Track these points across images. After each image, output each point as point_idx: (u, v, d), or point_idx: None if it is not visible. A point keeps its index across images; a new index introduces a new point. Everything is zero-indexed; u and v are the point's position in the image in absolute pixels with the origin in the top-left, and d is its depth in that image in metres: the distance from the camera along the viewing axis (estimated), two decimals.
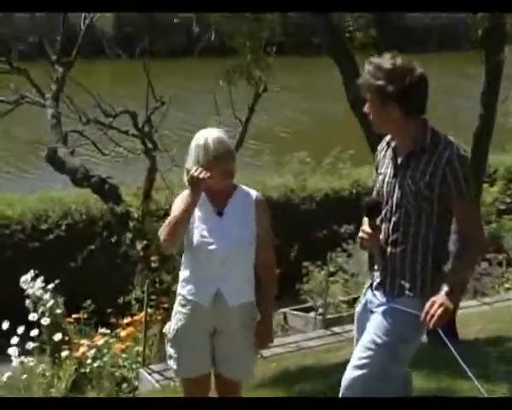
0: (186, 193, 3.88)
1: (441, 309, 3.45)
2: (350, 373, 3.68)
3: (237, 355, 4.03)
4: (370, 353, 3.64)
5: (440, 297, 3.46)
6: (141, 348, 7.47)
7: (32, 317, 7.50)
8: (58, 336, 7.26)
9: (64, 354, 7.30)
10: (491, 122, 6.68)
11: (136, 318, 8.03)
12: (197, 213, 3.95)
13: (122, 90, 18.83)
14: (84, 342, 7.47)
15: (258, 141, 15.22)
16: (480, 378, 3.66)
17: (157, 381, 6.93)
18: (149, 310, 7.87)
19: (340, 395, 3.69)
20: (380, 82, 3.52)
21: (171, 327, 4.08)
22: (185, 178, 3.92)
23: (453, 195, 3.53)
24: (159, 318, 8.08)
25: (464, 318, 7.68)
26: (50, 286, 7.87)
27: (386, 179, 3.70)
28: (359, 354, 3.69)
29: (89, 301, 8.12)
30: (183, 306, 3.99)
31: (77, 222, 10.25)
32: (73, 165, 8.39)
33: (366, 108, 3.65)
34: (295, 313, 9.66)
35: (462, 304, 8.64)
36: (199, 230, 3.94)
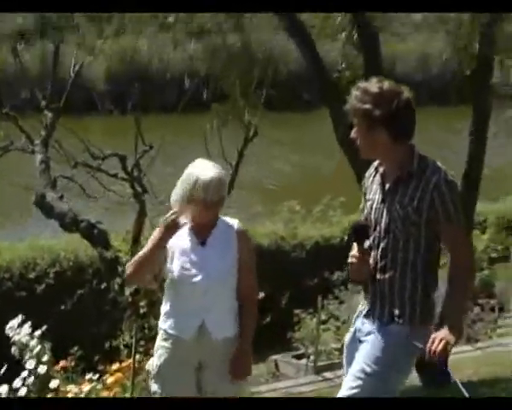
0: (159, 229, 3.85)
1: (442, 344, 3.39)
2: None
3: (224, 390, 3.94)
4: (360, 382, 3.57)
5: (441, 332, 3.41)
6: (128, 395, 7.32)
7: (25, 364, 7.34)
8: (52, 384, 7.11)
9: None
10: (480, 166, 6.74)
11: (124, 364, 7.88)
12: (179, 243, 3.89)
13: (112, 142, 18.89)
14: (71, 388, 7.32)
15: (247, 191, 15.27)
16: None
17: None
18: (138, 356, 7.76)
19: None
20: (367, 106, 3.51)
21: (154, 363, 4.00)
22: (173, 202, 3.90)
23: (441, 220, 3.49)
24: (148, 363, 7.96)
25: (457, 362, 7.59)
26: (37, 333, 7.76)
27: (375, 205, 3.66)
28: (349, 383, 3.61)
29: (76, 348, 7.98)
30: (166, 340, 3.92)
31: (65, 270, 10.16)
32: (62, 210, 8.35)
33: (353, 134, 3.62)
34: (286, 360, 9.55)
35: (454, 349, 8.57)
36: (180, 261, 3.88)
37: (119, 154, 8.11)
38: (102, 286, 8.77)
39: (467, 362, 7.89)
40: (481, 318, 9.44)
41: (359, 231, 3.62)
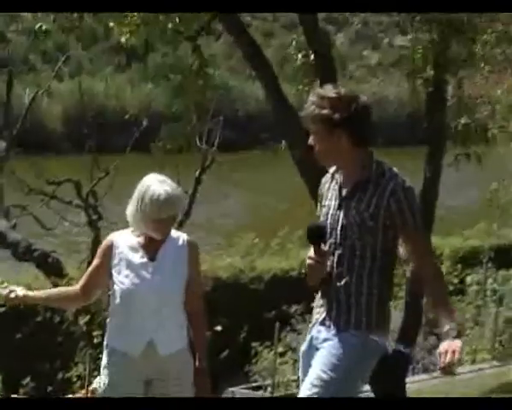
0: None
1: (457, 354, 3.33)
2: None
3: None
4: (317, 390, 3.49)
5: (451, 343, 3.34)
6: None
7: None
8: None
9: None
10: (434, 203, 6.81)
11: (77, 395, 7.72)
12: (128, 258, 3.78)
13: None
14: None
15: (204, 228, 15.23)
16: None
17: None
18: (92, 387, 7.61)
19: None
20: (325, 111, 3.47)
21: (101, 381, 3.89)
22: (128, 217, 3.82)
23: (399, 227, 3.45)
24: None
25: (414, 391, 7.59)
26: None
27: (331, 212, 3.62)
28: (305, 391, 3.53)
29: (28, 379, 7.79)
30: (112, 356, 3.79)
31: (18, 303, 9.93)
32: (15, 239, 8.21)
33: (311, 140, 3.59)
34: (244, 391, 9.42)
35: (412, 378, 8.58)
36: (129, 277, 3.77)
37: (74, 180, 8.01)
38: (56, 317, 8.57)
39: (424, 390, 7.87)
40: (437, 346, 9.43)
41: (315, 232, 3.57)
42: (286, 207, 18.45)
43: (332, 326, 3.56)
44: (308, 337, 3.68)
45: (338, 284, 3.55)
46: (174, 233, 3.88)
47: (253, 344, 10.75)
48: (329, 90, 3.54)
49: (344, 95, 3.52)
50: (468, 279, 12.28)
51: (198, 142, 8.64)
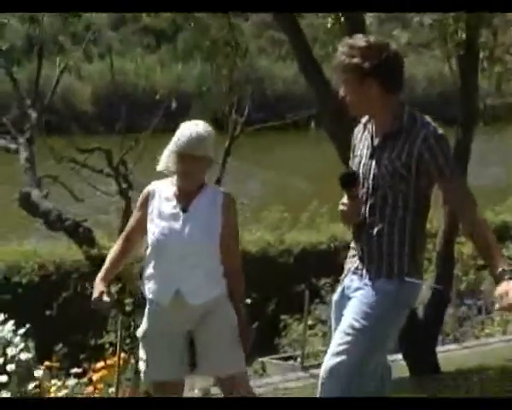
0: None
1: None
2: (329, 362, 3.50)
3: (216, 352, 3.81)
4: (349, 338, 3.48)
5: (509, 283, 3.30)
6: (113, 389, 7.21)
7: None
8: (36, 373, 7.02)
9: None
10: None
11: (109, 362, 7.77)
12: (161, 209, 3.82)
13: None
14: (55, 382, 7.20)
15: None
16: None
17: None
18: (123, 354, 7.65)
19: (320, 385, 3.52)
20: (356, 60, 3.45)
21: (141, 328, 3.94)
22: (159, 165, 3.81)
23: (433, 174, 3.42)
24: (132, 362, 7.85)
25: (444, 358, 7.56)
26: (21, 331, 7.66)
27: (363, 161, 3.59)
28: (338, 340, 3.52)
29: (60, 346, 7.86)
30: (149, 307, 3.83)
31: (51, 274, 10.07)
32: (47, 208, 8.26)
33: (342, 92, 3.57)
34: (274, 361, 9.45)
35: (442, 348, 8.54)
36: (160, 227, 3.80)
37: (104, 149, 8.04)
38: (87, 286, 8.63)
39: (454, 358, 7.83)
40: (469, 315, 9.42)
41: (347, 178, 3.56)
42: (314, 188, 18.37)
43: (364, 275, 3.54)
44: (340, 287, 3.67)
45: (370, 232, 3.53)
46: (211, 187, 3.88)
47: (283, 317, 10.78)
48: (359, 39, 3.51)
49: (374, 43, 3.48)
50: None
51: (227, 112, 8.63)
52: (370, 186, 3.53)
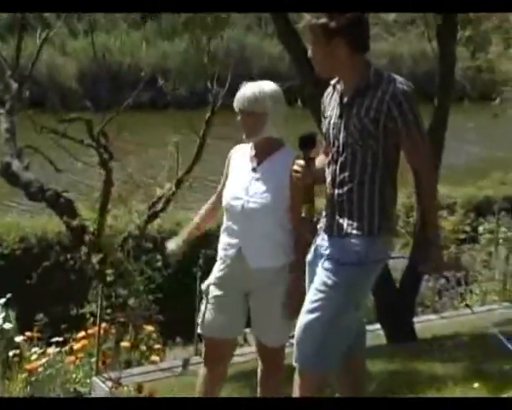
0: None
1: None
2: (303, 319, 3.57)
3: (267, 320, 3.87)
4: (322, 295, 3.55)
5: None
6: (94, 359, 7.27)
7: None
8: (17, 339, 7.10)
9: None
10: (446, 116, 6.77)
11: (89, 332, 7.82)
12: (236, 168, 3.94)
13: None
14: (36, 350, 7.26)
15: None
16: None
17: (110, 388, 6.72)
18: (104, 324, 7.70)
19: (295, 344, 3.57)
20: (323, 20, 3.51)
21: (208, 281, 4.00)
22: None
23: (400, 129, 3.47)
24: (113, 332, 7.91)
25: (422, 327, 7.65)
26: (1, 301, 7.72)
27: (332, 121, 3.66)
28: (311, 297, 3.59)
29: (41, 315, 7.90)
30: (219, 261, 3.94)
31: (32, 246, 10.09)
32: (28, 179, 8.27)
33: (309, 53, 3.62)
34: None
35: (420, 318, 8.64)
36: (231, 185, 3.92)
37: (85, 118, 8.04)
38: (69, 258, 8.66)
39: (432, 328, 7.92)
40: (447, 288, 9.52)
41: (304, 140, 3.63)
42: None
43: (335, 233, 3.60)
44: (313, 246, 3.73)
45: (340, 191, 3.59)
46: (287, 148, 3.95)
47: None
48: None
49: None
50: (481, 228, 12.29)
51: (209, 85, 8.65)
52: (340, 145, 3.59)
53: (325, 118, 3.71)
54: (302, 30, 3.67)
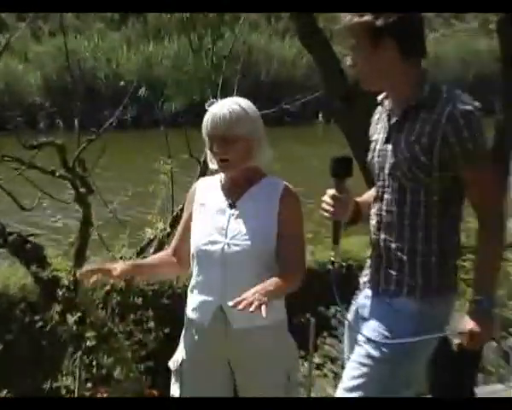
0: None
1: (476, 340, 3.36)
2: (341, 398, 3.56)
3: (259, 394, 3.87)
4: (364, 371, 3.54)
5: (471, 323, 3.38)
6: None
7: None
8: None
9: None
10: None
11: None
12: (207, 205, 3.93)
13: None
14: None
15: None
16: None
17: None
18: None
19: None
20: (367, 17, 3.49)
21: (175, 358, 3.97)
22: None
23: (459, 161, 3.45)
24: None
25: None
26: None
27: (378, 147, 3.66)
28: (351, 372, 3.58)
29: (5, 391, 7.86)
30: (188, 328, 3.93)
31: None
32: None
33: (349, 60, 3.61)
34: None
35: (483, 389, 8.53)
36: (202, 226, 3.88)
37: (57, 143, 8.07)
38: (38, 318, 8.63)
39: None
40: None
41: (340, 164, 3.60)
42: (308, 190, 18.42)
43: (382, 290, 3.59)
44: (354, 306, 3.72)
45: (387, 236, 3.57)
46: (269, 178, 3.96)
47: None
48: None
49: None
50: None
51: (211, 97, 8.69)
52: (386, 178, 3.58)
53: (371, 143, 3.71)
54: (339, 32, 3.65)
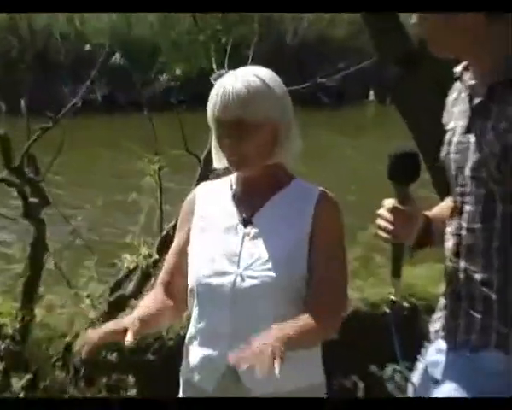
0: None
1: None
2: None
3: None
4: None
5: None
6: None
7: None
8: None
9: None
10: None
11: None
12: (209, 215, 3.92)
13: None
14: None
15: None
16: None
17: None
18: None
19: None
20: None
21: None
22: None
23: None
24: None
25: None
26: None
27: (456, 139, 3.66)
28: None
29: None
30: (186, 392, 3.93)
31: None
32: None
33: (418, 26, 3.61)
34: None
35: None
36: (205, 250, 3.85)
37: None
38: None
39: None
40: None
41: (403, 163, 3.61)
42: (369, 201, 18.52)
43: (459, 343, 3.61)
44: (421, 363, 3.76)
45: (468, 266, 3.58)
46: (297, 182, 3.94)
47: None
48: None
49: None
50: None
51: (215, 66, 8.79)
52: (468, 181, 3.58)
53: (446, 133, 3.73)
54: None
